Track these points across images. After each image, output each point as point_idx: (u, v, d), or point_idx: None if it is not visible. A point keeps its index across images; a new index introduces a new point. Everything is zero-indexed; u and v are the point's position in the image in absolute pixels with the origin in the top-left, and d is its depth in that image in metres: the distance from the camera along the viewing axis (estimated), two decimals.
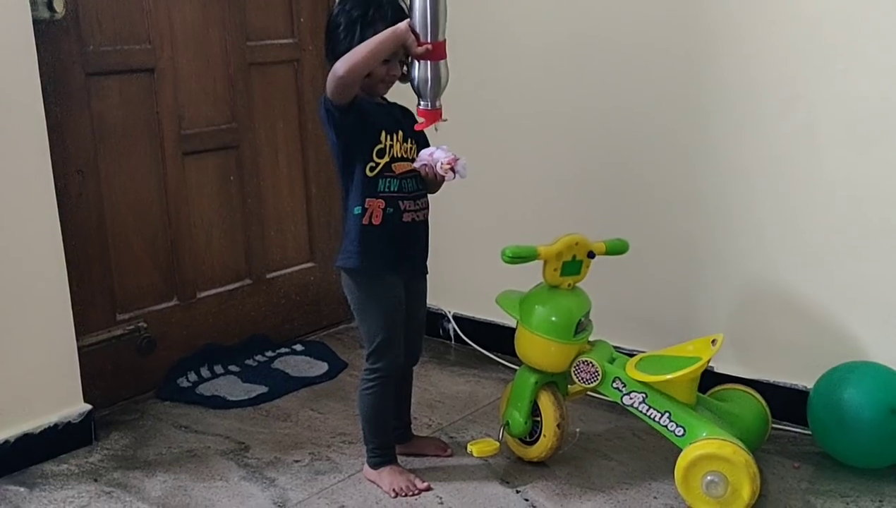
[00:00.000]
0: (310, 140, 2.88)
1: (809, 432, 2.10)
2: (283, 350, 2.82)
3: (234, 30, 2.66)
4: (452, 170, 1.85)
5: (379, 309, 1.95)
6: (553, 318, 1.99)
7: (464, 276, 2.78)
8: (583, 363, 1.99)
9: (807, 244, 2.16)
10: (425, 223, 2.00)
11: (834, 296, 2.14)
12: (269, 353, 2.79)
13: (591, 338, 2.05)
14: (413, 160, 1.92)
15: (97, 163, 2.39)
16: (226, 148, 2.69)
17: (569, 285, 2.01)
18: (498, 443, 2.06)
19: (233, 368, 2.68)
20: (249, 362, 2.73)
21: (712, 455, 1.81)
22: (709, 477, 1.82)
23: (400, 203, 1.92)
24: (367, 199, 1.90)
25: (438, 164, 1.86)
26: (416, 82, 1.88)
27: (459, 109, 2.33)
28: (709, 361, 1.89)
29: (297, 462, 2.16)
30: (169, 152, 2.55)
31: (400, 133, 1.94)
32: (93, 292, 2.42)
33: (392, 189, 1.91)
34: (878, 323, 2.09)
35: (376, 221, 1.90)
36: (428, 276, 2.07)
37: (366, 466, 2.06)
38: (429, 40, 1.83)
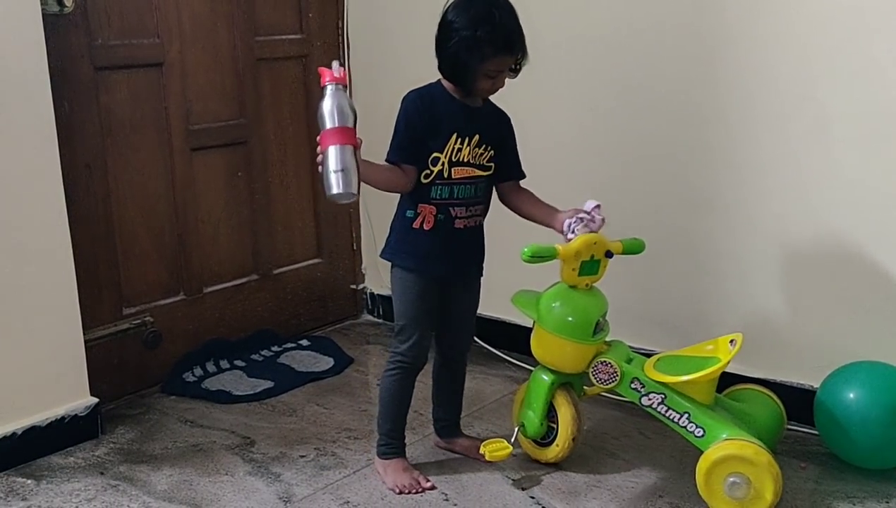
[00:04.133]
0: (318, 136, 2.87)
1: (816, 432, 2.10)
2: (289, 345, 2.82)
3: (243, 25, 2.66)
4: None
5: (410, 295, 1.96)
6: (570, 318, 1.96)
7: None
8: (601, 364, 1.97)
9: (817, 243, 2.15)
10: (479, 228, 2.00)
11: (842, 295, 2.14)
12: (275, 348, 2.79)
13: (606, 339, 2.03)
14: (482, 166, 1.93)
15: (105, 158, 2.40)
16: (234, 143, 2.69)
17: (587, 285, 1.99)
18: (511, 447, 2.02)
19: (238, 363, 2.69)
20: (255, 357, 2.73)
21: (734, 457, 1.80)
22: (731, 479, 1.80)
23: (451, 209, 1.93)
24: (420, 204, 1.92)
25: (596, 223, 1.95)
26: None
27: None
28: (729, 361, 1.88)
29: (302, 457, 2.16)
30: (177, 147, 2.55)
31: (476, 137, 1.93)
32: (100, 286, 2.42)
33: (443, 196, 1.92)
34: (886, 322, 2.09)
35: (427, 226, 1.92)
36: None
37: (377, 456, 2.06)
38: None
